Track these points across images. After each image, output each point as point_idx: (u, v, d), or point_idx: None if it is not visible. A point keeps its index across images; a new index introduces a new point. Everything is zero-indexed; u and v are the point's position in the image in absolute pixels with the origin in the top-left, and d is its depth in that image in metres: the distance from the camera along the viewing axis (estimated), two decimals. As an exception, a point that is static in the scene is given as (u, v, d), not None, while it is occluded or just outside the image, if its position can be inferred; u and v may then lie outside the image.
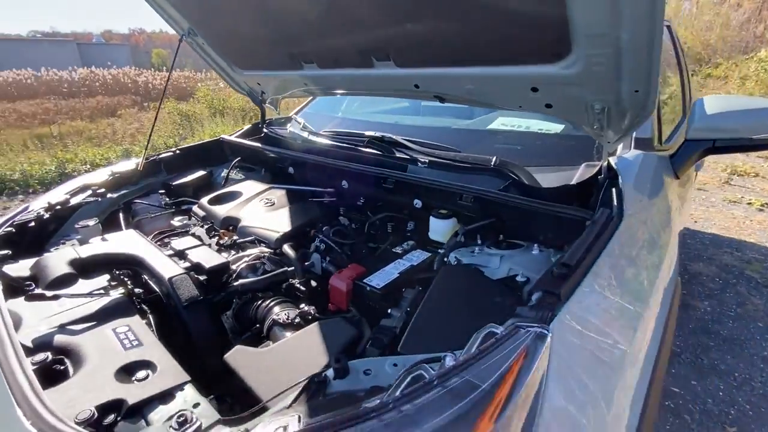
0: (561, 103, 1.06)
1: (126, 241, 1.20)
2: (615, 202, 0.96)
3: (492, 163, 1.26)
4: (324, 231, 1.36)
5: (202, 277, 1.07)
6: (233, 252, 1.28)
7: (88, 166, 5.83)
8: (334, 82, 1.57)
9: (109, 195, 1.60)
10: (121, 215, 1.56)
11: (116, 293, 1.01)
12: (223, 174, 1.87)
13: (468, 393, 0.52)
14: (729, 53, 13.29)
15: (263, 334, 1.01)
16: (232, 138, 2.04)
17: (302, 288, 1.14)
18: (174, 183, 1.77)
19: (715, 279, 3.21)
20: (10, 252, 1.12)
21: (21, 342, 0.77)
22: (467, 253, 1.07)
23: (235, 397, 0.86)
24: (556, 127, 1.47)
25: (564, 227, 0.98)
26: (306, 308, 1.01)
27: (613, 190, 0.99)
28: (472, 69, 1.13)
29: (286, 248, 1.24)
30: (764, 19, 12.55)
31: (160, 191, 1.74)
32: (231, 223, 1.43)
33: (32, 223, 1.32)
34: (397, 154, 1.48)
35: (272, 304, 1.05)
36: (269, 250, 1.27)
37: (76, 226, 1.34)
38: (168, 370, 0.76)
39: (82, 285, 1.04)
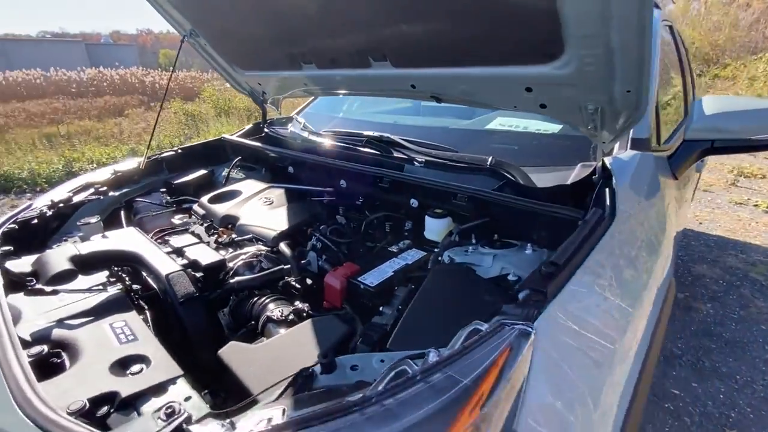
0: (555, 103, 1.06)
1: (125, 239, 1.22)
2: (607, 202, 0.96)
3: (488, 163, 1.26)
4: (321, 230, 1.37)
5: (198, 274, 1.09)
6: (231, 250, 1.29)
7: (95, 165, 5.90)
8: (333, 82, 1.58)
9: (111, 193, 1.63)
10: (122, 213, 1.58)
11: (114, 289, 1.02)
12: (224, 173, 1.89)
13: (449, 388, 0.53)
14: (737, 54, 13.15)
15: (258, 330, 1.02)
16: (234, 137, 2.06)
17: (298, 286, 1.15)
18: (175, 182, 1.79)
19: (719, 281, 3.18)
20: (12, 248, 1.15)
21: (20, 335, 0.79)
22: (461, 252, 1.07)
23: (228, 392, 0.87)
24: (553, 128, 1.48)
25: (557, 227, 0.99)
26: (300, 305, 1.03)
27: (606, 190, 0.99)
28: (466, 69, 1.13)
29: (283, 246, 1.25)
30: (773, 19, 12.40)
31: (162, 190, 1.77)
32: (230, 222, 1.45)
33: (35, 221, 1.34)
34: (395, 154, 1.49)
35: (267, 301, 1.07)
36: (266, 248, 1.28)
37: (78, 223, 1.37)
38: (162, 365, 0.78)
39: (82, 281, 1.06)
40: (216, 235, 1.41)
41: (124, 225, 1.51)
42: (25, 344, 0.76)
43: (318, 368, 0.67)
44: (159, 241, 1.32)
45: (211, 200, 1.59)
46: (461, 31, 1.02)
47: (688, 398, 2.09)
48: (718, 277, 3.23)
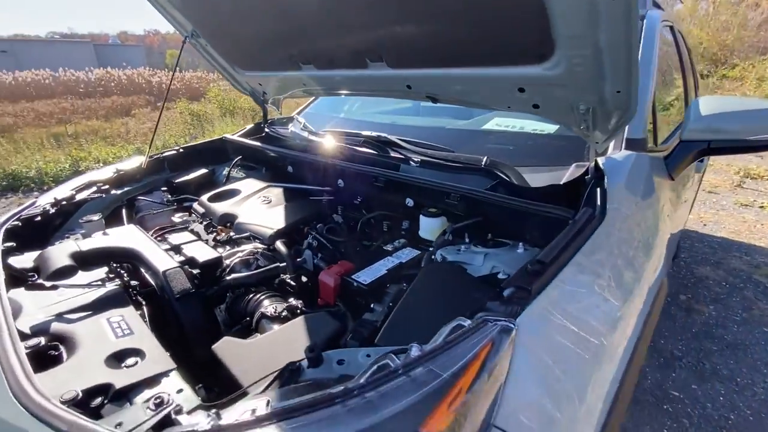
0: (548, 103, 1.07)
1: (125, 236, 1.25)
2: (598, 202, 0.97)
3: (482, 163, 1.27)
4: (318, 228, 1.39)
5: (195, 271, 1.11)
6: (229, 247, 1.31)
7: (101, 164, 5.98)
8: (331, 82, 1.60)
9: (113, 191, 1.65)
10: (123, 211, 1.61)
11: (112, 285, 1.05)
12: (225, 172, 1.92)
13: (429, 381, 0.54)
14: (746, 54, 13.02)
15: (252, 326, 1.04)
16: (234, 137, 2.09)
17: (293, 283, 1.17)
18: (176, 181, 1.82)
19: (722, 283, 3.16)
20: (15, 244, 1.17)
21: (19, 328, 0.82)
22: (453, 251, 1.09)
23: (222, 386, 0.89)
24: (549, 128, 1.48)
25: (548, 226, 0.99)
26: (293, 302, 1.04)
27: (598, 190, 1.00)
28: (460, 70, 1.14)
29: (279, 244, 1.27)
30: (783, 19, 12.26)
31: (163, 188, 1.79)
32: (228, 220, 1.47)
33: (38, 218, 1.37)
34: (392, 154, 1.50)
35: (262, 298, 1.09)
36: (263, 246, 1.30)
37: (81, 220, 1.39)
38: (156, 358, 0.80)
39: (82, 276, 1.08)
40: (215, 233, 1.43)
41: (126, 223, 1.54)
42: (24, 337, 0.79)
43: (305, 362, 0.69)
44: (158, 238, 1.34)
45: (211, 199, 1.61)
46: (454, 32, 1.03)
47: (688, 400, 2.08)
48: (721, 279, 3.21)
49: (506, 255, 1.04)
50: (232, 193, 1.64)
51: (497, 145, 1.49)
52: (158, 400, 0.60)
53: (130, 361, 0.79)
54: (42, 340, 0.78)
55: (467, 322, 0.64)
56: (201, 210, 1.59)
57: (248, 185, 1.70)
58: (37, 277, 1.06)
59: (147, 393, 0.71)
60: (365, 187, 1.45)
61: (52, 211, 1.42)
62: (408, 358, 0.58)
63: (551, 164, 1.33)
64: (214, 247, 1.30)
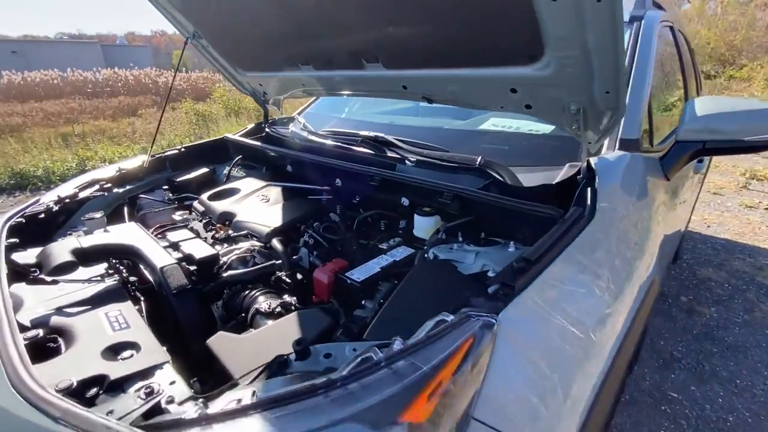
0: (539, 104, 1.08)
1: (125, 233, 1.27)
2: (588, 201, 0.98)
3: (477, 163, 1.28)
4: (314, 227, 1.41)
5: (192, 267, 1.13)
6: (226, 245, 1.34)
7: (107, 163, 6.04)
8: (329, 83, 1.62)
9: (115, 190, 1.69)
10: (125, 209, 1.64)
11: (111, 281, 1.07)
12: (225, 171, 1.94)
13: (410, 374, 0.56)
14: (754, 54, 12.89)
15: (247, 322, 1.06)
16: (236, 137, 2.12)
17: (288, 280, 1.19)
18: (178, 179, 1.84)
19: (724, 285, 3.14)
20: (18, 240, 1.20)
21: (20, 321, 0.84)
22: (445, 250, 1.10)
23: (216, 380, 0.91)
24: (545, 128, 1.49)
25: (539, 225, 1.00)
26: (288, 299, 1.06)
27: (588, 189, 1.01)
28: (454, 71, 1.16)
29: (275, 242, 1.29)
30: (792, 19, 12.14)
31: (164, 187, 1.82)
32: (227, 218, 1.49)
33: (42, 215, 1.41)
34: (389, 154, 1.52)
35: (257, 294, 1.11)
36: (260, 243, 1.32)
37: (83, 218, 1.42)
38: (151, 351, 0.82)
39: (82, 272, 1.11)
40: (213, 231, 1.45)
41: (127, 220, 1.57)
42: (24, 329, 0.81)
43: (293, 355, 0.70)
44: (158, 235, 1.37)
45: (211, 197, 1.64)
46: (446, 33, 1.05)
47: (686, 401, 2.08)
48: (723, 281, 3.19)
49: (497, 253, 1.05)
50: (232, 192, 1.66)
51: (493, 145, 1.50)
52: (148, 390, 0.63)
53: (126, 353, 0.81)
54: (40, 332, 0.81)
55: (450, 317, 0.65)
56: (201, 208, 1.61)
57: (248, 184, 1.72)
58: (39, 272, 1.09)
59: (141, 384, 0.73)
60: (362, 186, 1.47)
61: (56, 208, 1.45)
62: (390, 351, 0.60)
63: (546, 164, 1.34)
64: (213, 244, 1.32)
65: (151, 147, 1.86)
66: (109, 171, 1.76)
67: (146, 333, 0.88)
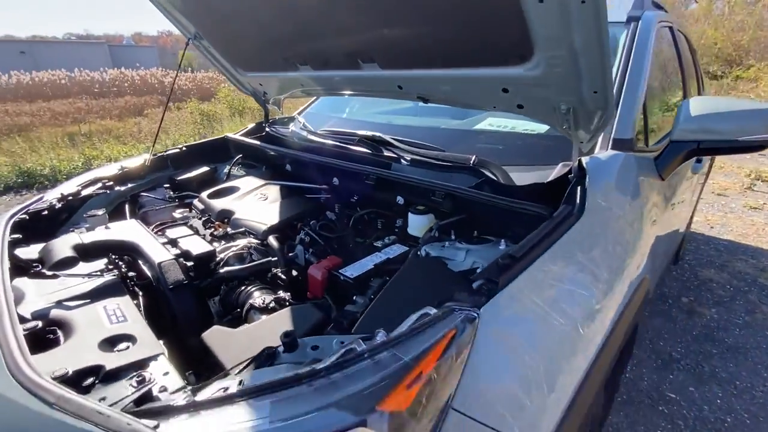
0: (531, 104, 1.10)
1: (126, 230, 1.30)
2: (578, 200, 0.99)
3: (471, 162, 1.30)
4: (311, 225, 1.43)
5: (189, 263, 1.16)
6: (224, 242, 1.36)
7: (113, 162, 6.11)
8: (327, 83, 1.64)
9: (117, 188, 1.72)
10: (127, 207, 1.67)
11: (110, 276, 1.10)
12: (226, 170, 1.97)
13: (391, 364, 0.58)
14: (761, 55, 12.78)
15: (242, 317, 1.08)
16: (236, 136, 2.14)
17: (283, 277, 1.21)
18: (179, 178, 1.87)
19: (726, 286, 3.13)
20: (21, 236, 1.24)
21: (21, 313, 0.87)
22: (437, 247, 1.12)
23: (211, 372, 0.93)
24: (540, 128, 1.50)
25: (528, 223, 1.02)
26: (282, 294, 1.08)
27: (578, 188, 1.02)
28: (448, 71, 1.18)
29: (271, 239, 1.31)
30: (800, 19, 12.02)
31: (165, 185, 1.85)
32: (226, 216, 1.52)
33: (45, 212, 1.44)
34: (385, 153, 1.54)
35: (252, 290, 1.13)
36: (257, 241, 1.34)
37: (85, 215, 1.45)
38: (146, 343, 0.84)
39: (83, 267, 1.14)
40: (212, 229, 1.48)
41: (128, 218, 1.60)
42: (24, 321, 0.84)
43: (282, 348, 0.72)
44: (158, 232, 1.39)
45: (210, 196, 1.66)
46: (439, 34, 1.07)
47: (684, 402, 2.08)
48: (725, 282, 3.18)
49: (487, 251, 1.06)
50: (231, 191, 1.69)
51: (488, 144, 1.51)
52: (140, 378, 0.65)
53: (122, 345, 0.84)
54: (39, 324, 0.83)
55: (433, 311, 0.67)
56: (201, 206, 1.64)
57: (247, 183, 1.75)
58: (41, 267, 1.12)
59: (135, 374, 0.75)
60: (358, 185, 1.49)
61: (59, 205, 1.49)
62: (373, 343, 0.62)
63: (540, 163, 1.35)
64: (211, 241, 1.34)
65: (153, 146, 1.89)
66: (111, 169, 1.79)
67: (143, 326, 0.90)
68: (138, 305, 1.05)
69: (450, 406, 0.59)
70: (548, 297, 0.83)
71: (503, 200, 1.08)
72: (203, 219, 1.55)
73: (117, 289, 1.04)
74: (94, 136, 8.20)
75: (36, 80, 14.72)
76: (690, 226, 3.61)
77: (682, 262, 3.45)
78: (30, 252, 1.19)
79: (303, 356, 0.70)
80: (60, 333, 0.86)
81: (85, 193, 1.60)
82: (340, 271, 1.13)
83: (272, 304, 1.04)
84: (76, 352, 0.79)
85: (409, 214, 1.30)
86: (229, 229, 1.44)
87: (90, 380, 0.73)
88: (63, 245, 1.18)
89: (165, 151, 2.00)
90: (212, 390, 0.60)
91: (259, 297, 1.08)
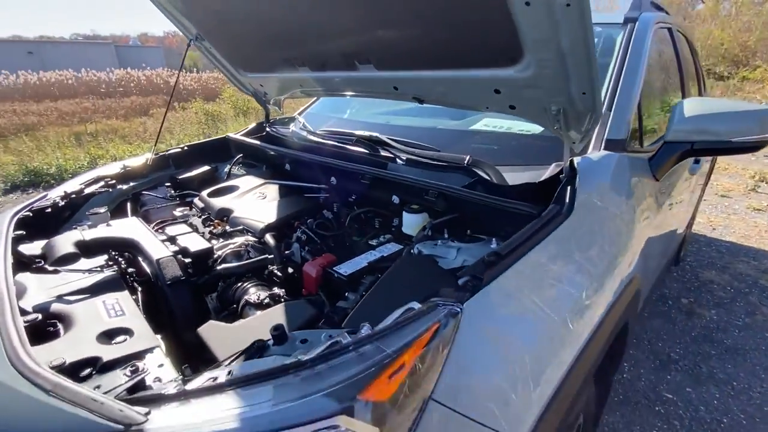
0: (522, 104, 1.11)
1: (126, 227, 1.33)
2: (567, 199, 1.01)
3: (465, 162, 1.32)
4: (308, 223, 1.45)
5: (187, 260, 1.18)
6: (222, 240, 1.39)
7: (117, 161, 6.18)
8: (326, 83, 1.66)
9: (119, 186, 1.75)
10: (128, 205, 1.70)
11: (110, 271, 1.13)
12: (226, 169, 2.00)
13: (374, 356, 0.60)
14: (768, 55, 12.67)
15: (238, 312, 1.11)
16: (237, 136, 2.17)
17: (279, 274, 1.23)
18: (180, 177, 1.90)
19: (727, 288, 3.12)
20: (25, 233, 1.27)
21: (22, 306, 0.90)
22: (430, 245, 1.13)
23: (206, 366, 0.95)
24: (535, 128, 1.51)
25: (518, 222, 1.03)
26: (276, 291, 1.11)
27: (568, 188, 1.04)
28: (441, 72, 1.19)
29: (268, 237, 1.34)
30: (808, 20, 11.91)
31: (167, 184, 1.88)
32: (225, 214, 1.55)
33: (49, 209, 1.47)
34: (382, 153, 1.56)
35: (248, 286, 1.15)
36: (254, 238, 1.37)
37: (88, 213, 1.48)
38: (143, 336, 0.87)
39: (84, 263, 1.17)
40: (211, 226, 1.51)
41: (130, 216, 1.63)
42: (25, 313, 0.87)
43: (272, 341, 0.75)
44: (158, 230, 1.42)
45: (210, 194, 1.69)
46: (432, 36, 1.09)
47: (681, 402, 2.08)
48: (726, 284, 3.17)
49: (478, 249, 1.08)
50: (231, 190, 1.72)
51: (483, 144, 1.53)
52: (134, 368, 0.67)
53: (120, 338, 0.86)
54: (39, 316, 0.86)
55: (418, 306, 0.69)
56: (201, 205, 1.67)
57: (247, 182, 1.78)
58: (43, 262, 1.15)
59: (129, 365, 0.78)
60: (355, 184, 1.51)
61: (62, 203, 1.52)
62: (358, 336, 0.64)
63: (534, 163, 1.36)
64: (209, 239, 1.37)
65: (155, 145, 1.92)
66: (114, 168, 1.82)
67: (140, 320, 0.93)
68: (137, 300, 1.08)
69: (431, 398, 0.61)
70: (535, 293, 0.84)
71: (494, 199, 1.10)
72: (203, 217, 1.58)
73: (116, 284, 1.07)
74: (100, 135, 8.29)
75: (43, 80, 14.87)
76: (691, 227, 3.60)
77: (683, 264, 3.45)
78: (33, 248, 1.23)
79: (292, 349, 0.72)
80: (60, 326, 0.89)
81: (88, 191, 1.64)
82: (334, 268, 1.15)
83: (267, 300, 1.07)
84: (74, 344, 0.82)
85: (404, 213, 1.32)
86: (227, 227, 1.47)
87: (88, 371, 0.75)
88: (65, 242, 1.21)
89: (167, 151, 2.03)
90: (202, 380, 0.63)
91: (254, 293, 1.10)
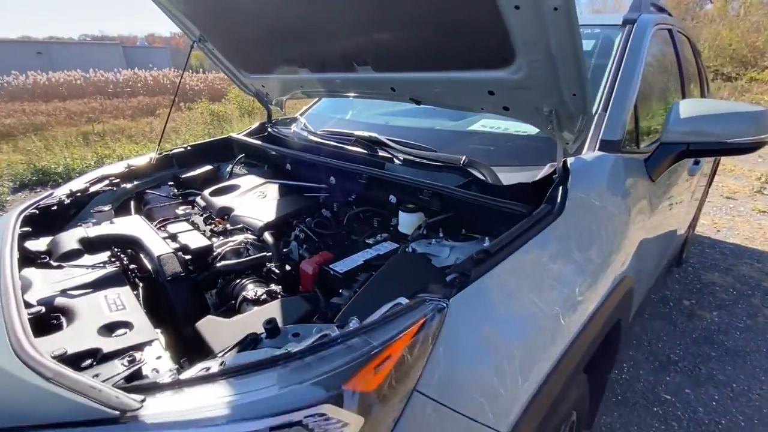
0: (516, 105, 1.13)
1: (129, 225, 1.37)
2: (558, 199, 1.02)
3: (461, 162, 1.33)
4: (306, 222, 1.48)
5: (187, 257, 1.21)
6: (222, 237, 1.42)
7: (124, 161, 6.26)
8: (325, 84, 1.69)
9: (123, 185, 1.79)
10: (132, 203, 1.74)
11: (113, 267, 1.16)
12: (228, 169, 2.03)
13: (360, 348, 0.62)
14: (777, 56, 12.53)
15: (236, 308, 1.13)
16: (239, 136, 2.21)
17: (277, 271, 1.26)
18: (183, 176, 1.94)
19: (729, 290, 3.10)
20: (31, 229, 1.30)
21: (27, 300, 0.93)
22: (424, 244, 1.15)
23: (204, 359, 0.98)
24: (531, 129, 1.53)
25: (512, 222, 1.05)
26: (273, 287, 1.13)
27: (560, 188, 1.05)
28: (437, 74, 1.21)
29: (267, 236, 1.36)
30: (817, 20, 11.77)
31: (170, 183, 1.92)
32: (225, 213, 1.57)
33: (54, 207, 1.51)
34: (380, 153, 1.58)
35: (246, 283, 1.18)
36: (253, 236, 1.40)
37: (92, 211, 1.52)
38: (142, 330, 0.90)
39: (87, 259, 1.20)
40: (212, 225, 1.54)
41: (133, 214, 1.66)
42: (29, 306, 0.90)
43: (264, 334, 0.77)
44: (160, 228, 1.46)
45: (212, 193, 1.72)
46: (427, 38, 1.11)
47: (679, 404, 2.08)
48: (728, 286, 3.15)
49: (471, 248, 1.10)
50: (232, 189, 1.74)
51: (479, 145, 1.55)
52: (131, 359, 0.70)
53: (120, 331, 0.89)
54: (43, 309, 0.89)
55: (405, 301, 0.71)
56: (203, 203, 1.70)
57: (248, 181, 1.81)
58: (48, 258, 1.19)
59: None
60: (354, 184, 1.53)
61: (67, 201, 1.56)
62: (346, 329, 0.66)
63: (530, 164, 1.38)
64: (210, 237, 1.40)
65: (159, 145, 1.96)
66: (118, 167, 1.86)
67: (140, 314, 0.96)
68: (137, 295, 1.11)
69: (417, 390, 0.63)
70: (524, 289, 0.86)
71: (487, 199, 1.12)
72: (204, 216, 1.61)
73: (118, 279, 1.10)
74: (107, 135, 8.39)
75: (52, 80, 15.06)
76: (694, 228, 3.59)
77: (686, 265, 3.43)
78: (38, 244, 1.26)
79: (284, 342, 0.74)
80: (63, 318, 0.92)
81: (93, 189, 1.67)
82: (330, 266, 1.18)
83: (264, 296, 1.09)
84: (76, 336, 0.85)
85: (400, 213, 1.34)
86: (228, 226, 1.50)
87: (88, 361, 0.78)
88: (69, 238, 1.25)
89: (170, 150, 2.06)
90: (195, 370, 0.65)
91: (251, 289, 1.13)
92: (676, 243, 2.44)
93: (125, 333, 0.89)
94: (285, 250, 1.36)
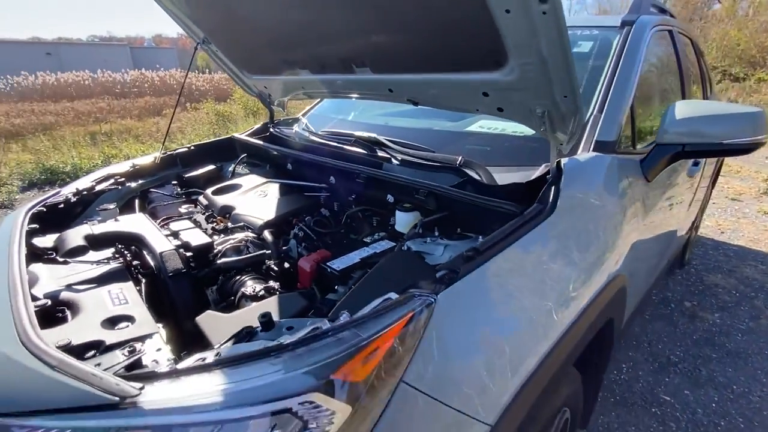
0: (509, 107, 1.15)
1: (133, 222, 1.40)
2: (550, 199, 1.04)
3: (457, 163, 1.36)
4: (305, 221, 1.50)
5: (188, 254, 1.25)
6: (223, 235, 1.45)
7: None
8: (326, 86, 1.72)
9: (128, 184, 1.83)
10: (136, 202, 1.78)
11: (116, 263, 1.19)
12: (231, 168, 2.07)
13: (350, 341, 0.64)
14: (786, 56, 12.38)
15: (235, 304, 1.16)
16: (242, 136, 2.24)
17: (276, 269, 1.29)
18: (186, 175, 1.98)
19: (732, 291, 3.09)
20: (38, 226, 1.34)
21: (34, 293, 0.97)
22: (419, 242, 1.18)
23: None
24: (528, 130, 1.54)
25: (503, 221, 1.07)
26: (272, 284, 1.16)
27: (552, 188, 1.07)
28: (433, 75, 1.24)
29: (266, 234, 1.39)
30: (827, 20, 11.62)
31: (174, 182, 1.96)
32: (227, 211, 1.61)
33: (61, 205, 1.55)
34: (379, 153, 1.60)
35: (245, 279, 1.21)
36: (253, 234, 1.43)
37: (98, 209, 1.56)
38: (144, 323, 0.93)
39: (92, 255, 1.24)
40: (214, 223, 1.57)
41: (137, 212, 1.70)
42: (36, 300, 0.93)
43: (259, 327, 0.80)
44: (163, 226, 1.49)
45: (214, 192, 1.76)
46: (422, 41, 1.13)
47: (678, 405, 2.08)
48: (731, 288, 3.14)
49: (464, 246, 1.11)
50: (234, 188, 1.78)
51: (477, 146, 1.57)
52: (131, 349, 0.73)
53: (122, 324, 0.92)
54: (49, 302, 0.93)
55: (395, 296, 0.74)
56: (205, 202, 1.73)
57: (249, 181, 1.84)
58: (54, 254, 1.23)
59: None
60: (352, 184, 1.56)
61: (74, 199, 1.60)
62: (337, 322, 0.69)
63: (526, 164, 1.39)
64: (211, 235, 1.43)
65: (163, 144, 2.00)
66: (123, 166, 1.90)
67: (142, 308, 0.99)
68: (140, 291, 1.14)
69: (405, 382, 0.66)
70: (513, 286, 0.89)
71: (480, 199, 1.14)
72: (206, 214, 1.64)
73: (121, 275, 1.14)
74: (115, 135, 8.50)
75: (61, 81, 15.25)
76: (697, 229, 3.57)
77: (688, 267, 3.42)
78: (45, 241, 1.30)
79: (278, 335, 0.77)
80: (68, 312, 0.96)
81: (98, 188, 1.71)
82: (327, 263, 1.20)
83: (262, 293, 1.12)
84: (80, 329, 0.88)
85: (397, 212, 1.36)
86: (229, 224, 1.53)
87: (91, 353, 0.81)
88: (75, 235, 1.29)
89: (175, 150, 2.10)
90: (192, 360, 0.68)
91: (250, 286, 1.16)
92: (677, 244, 2.44)
93: (127, 326, 0.92)
94: (284, 248, 1.39)
